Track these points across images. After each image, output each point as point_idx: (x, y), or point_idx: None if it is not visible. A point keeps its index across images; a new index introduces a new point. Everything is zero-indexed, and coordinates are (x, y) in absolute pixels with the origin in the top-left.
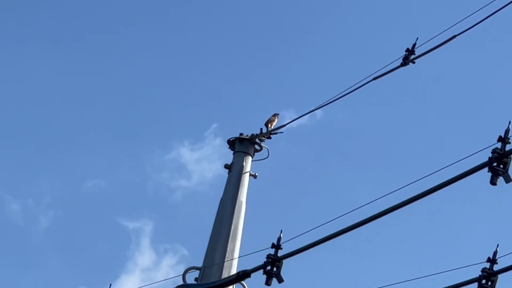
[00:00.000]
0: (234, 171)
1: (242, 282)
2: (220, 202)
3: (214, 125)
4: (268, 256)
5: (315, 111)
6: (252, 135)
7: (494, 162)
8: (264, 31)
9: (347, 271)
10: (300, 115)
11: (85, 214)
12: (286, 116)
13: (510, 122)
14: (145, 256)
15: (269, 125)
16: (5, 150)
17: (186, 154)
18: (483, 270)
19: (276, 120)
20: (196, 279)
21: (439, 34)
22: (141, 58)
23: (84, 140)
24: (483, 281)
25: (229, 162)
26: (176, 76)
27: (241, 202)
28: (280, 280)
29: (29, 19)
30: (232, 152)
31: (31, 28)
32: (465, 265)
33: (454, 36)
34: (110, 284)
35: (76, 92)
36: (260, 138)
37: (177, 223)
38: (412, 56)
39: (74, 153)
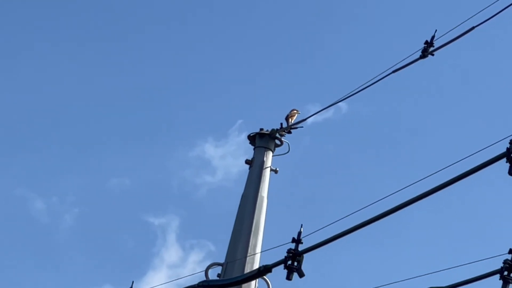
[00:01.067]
0: (255, 166)
1: (264, 277)
2: (242, 197)
3: (239, 121)
4: (289, 251)
5: (339, 105)
6: (272, 130)
7: None
8: (287, 27)
9: (367, 265)
10: (328, 109)
11: (110, 211)
12: (312, 110)
13: None
14: (171, 252)
15: (290, 119)
16: (29, 149)
17: (211, 150)
18: (505, 261)
19: (296, 115)
20: (218, 275)
21: (457, 26)
22: (166, 56)
23: (107, 138)
24: (505, 273)
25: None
26: (200, 73)
27: (262, 197)
28: (301, 275)
29: (54, 20)
30: (253, 147)
31: (59, 30)
32: (486, 257)
33: (473, 28)
34: (133, 282)
35: (99, 92)
36: (281, 133)
37: (202, 219)
38: (431, 48)
39: (98, 151)
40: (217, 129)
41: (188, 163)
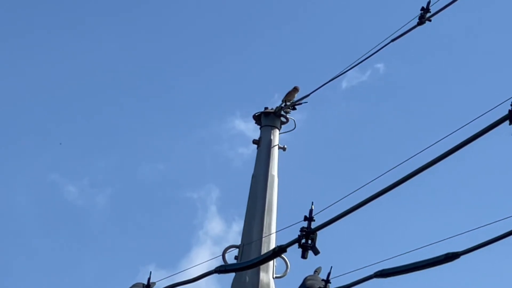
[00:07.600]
0: (262, 145)
1: (283, 255)
2: (252, 178)
3: (276, 95)
4: (302, 229)
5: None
6: (277, 107)
7: None
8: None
9: (382, 235)
10: (365, 71)
11: (144, 190)
12: (349, 74)
13: None
14: (214, 225)
15: (290, 97)
16: (57, 135)
17: (241, 124)
18: None
19: (297, 92)
20: (236, 257)
21: None
22: (190, 35)
23: (138, 123)
24: None
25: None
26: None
27: (273, 176)
28: (316, 252)
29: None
30: (259, 127)
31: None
32: (499, 219)
33: None
34: (150, 272)
35: (126, 78)
36: (285, 110)
37: (241, 189)
38: (428, 14)
39: (127, 135)
40: (249, 104)
41: (221, 138)
